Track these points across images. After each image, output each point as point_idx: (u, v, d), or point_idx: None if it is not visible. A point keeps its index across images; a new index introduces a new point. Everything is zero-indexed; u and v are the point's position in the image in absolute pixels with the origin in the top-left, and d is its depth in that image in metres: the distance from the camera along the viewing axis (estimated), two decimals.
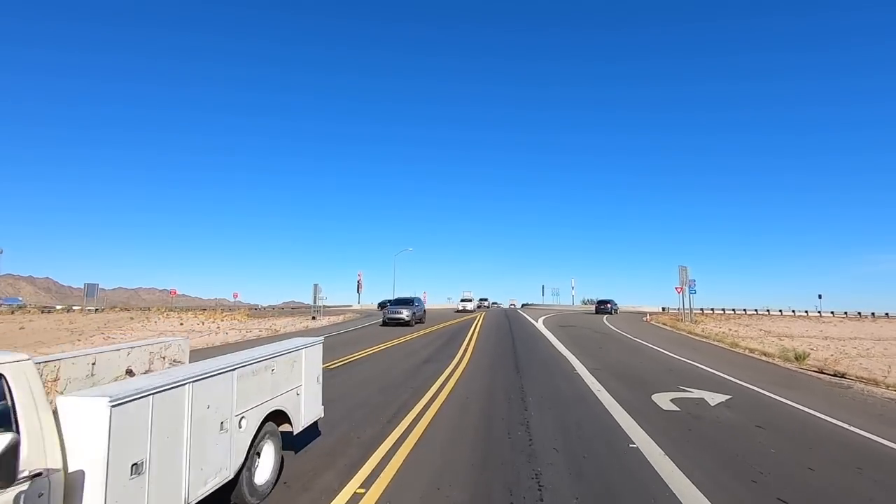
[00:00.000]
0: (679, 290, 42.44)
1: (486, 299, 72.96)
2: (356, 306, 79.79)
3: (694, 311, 51.60)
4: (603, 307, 49.72)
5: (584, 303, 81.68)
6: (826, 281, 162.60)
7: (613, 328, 27.51)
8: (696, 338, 23.28)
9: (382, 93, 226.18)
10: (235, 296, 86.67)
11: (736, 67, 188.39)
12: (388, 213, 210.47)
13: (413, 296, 30.74)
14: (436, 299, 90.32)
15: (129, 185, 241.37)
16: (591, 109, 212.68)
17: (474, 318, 34.36)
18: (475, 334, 21.09)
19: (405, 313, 26.33)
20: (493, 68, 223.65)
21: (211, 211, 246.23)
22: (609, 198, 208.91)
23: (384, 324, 26.37)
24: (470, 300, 52.18)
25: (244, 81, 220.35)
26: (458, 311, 47.00)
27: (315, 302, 45.92)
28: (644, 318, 40.45)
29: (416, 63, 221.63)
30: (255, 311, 60.87)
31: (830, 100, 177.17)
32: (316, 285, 45.70)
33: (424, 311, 30.06)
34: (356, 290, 67.03)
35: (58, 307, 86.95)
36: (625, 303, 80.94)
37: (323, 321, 38.11)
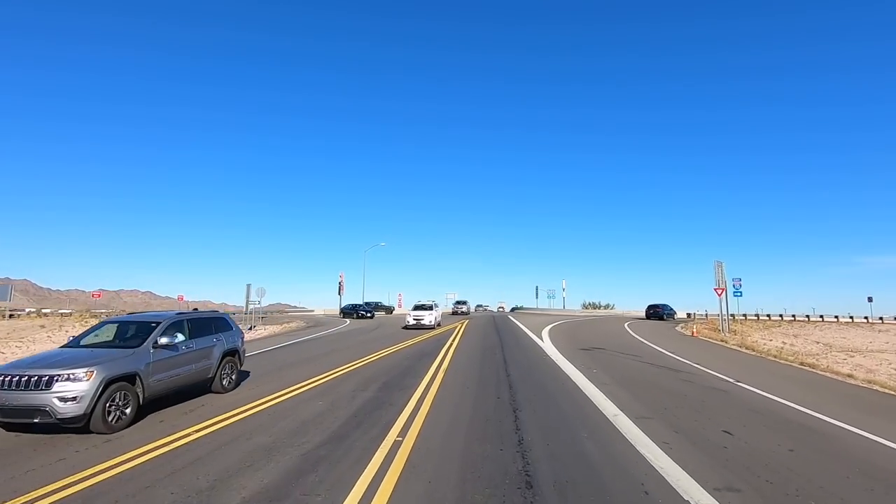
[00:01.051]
0: (719, 291, 32.53)
1: (464, 302, 56.85)
2: (319, 311, 69.19)
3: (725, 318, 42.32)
4: (654, 312, 45.61)
5: (585, 307, 72.20)
6: (819, 283, 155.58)
7: (673, 354, 17.24)
8: (853, 381, 13.06)
9: (368, 87, 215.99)
10: (181, 298, 75.57)
11: (750, 64, 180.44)
12: (374, 211, 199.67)
13: (147, 316, 9.56)
14: (411, 303, 79.80)
15: (115, 183, 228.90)
16: (588, 106, 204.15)
17: (446, 337, 23.90)
18: (429, 396, 9.44)
19: (51, 401, 6.51)
20: (484, 64, 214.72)
21: (195, 212, 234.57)
22: (607, 197, 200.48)
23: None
24: (430, 308, 30.80)
25: (237, 77, 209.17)
26: (408, 328, 28.23)
27: (247, 307, 35.41)
28: (682, 329, 30.53)
29: (400, 56, 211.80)
30: None
31: (823, 100, 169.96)
32: (248, 286, 35.11)
33: (237, 350, 10.43)
34: (338, 291, 57.15)
35: (27, 311, 75.81)
36: (627, 307, 71.76)
37: (259, 332, 28.94)
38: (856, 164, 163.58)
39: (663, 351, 17.91)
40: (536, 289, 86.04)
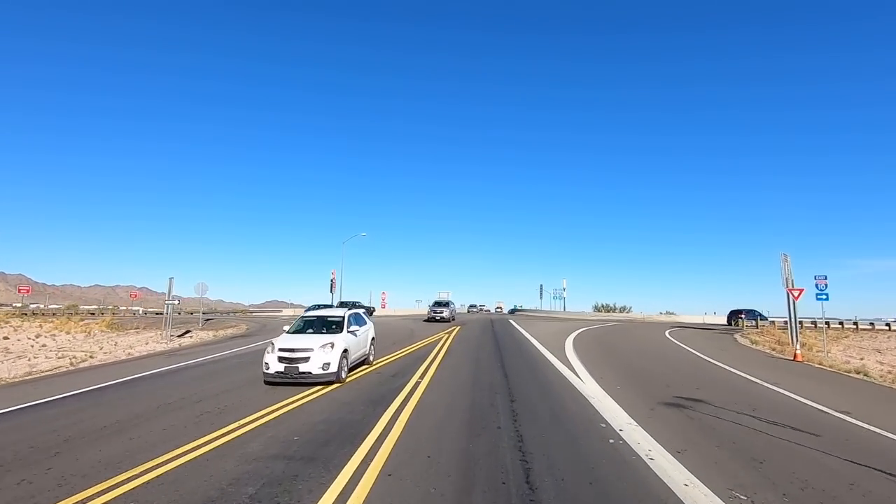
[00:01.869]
0: (795, 293, 23.95)
1: (445, 304, 38.00)
2: (285, 312, 60.67)
3: (776, 326, 33.92)
4: (738, 319, 39.23)
5: (598, 309, 62.80)
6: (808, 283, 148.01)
7: (850, 418, 8.45)
8: None
9: (371, 86, 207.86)
10: (133, 296, 66.95)
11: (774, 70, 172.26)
12: (372, 209, 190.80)
13: None
14: (402, 303, 71.46)
15: (114, 178, 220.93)
16: (589, 109, 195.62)
17: (407, 371, 14.82)
18: None
19: None
20: (489, 66, 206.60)
21: (191, 207, 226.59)
22: (612, 197, 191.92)
23: None
24: (333, 327, 11.96)
25: (236, 74, 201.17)
26: (270, 381, 10.45)
27: (166, 309, 26.63)
28: (746, 341, 22.03)
29: (404, 59, 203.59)
30: (119, 320, 41.33)
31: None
32: (170, 280, 26.64)
33: None
34: (330, 289, 49.06)
35: (13, 305, 68.08)
36: (644, 310, 63.08)
37: (184, 340, 23.89)
38: (850, 166, 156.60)
39: (818, 406, 9.23)
40: (541, 287, 76.45)
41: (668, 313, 74.18)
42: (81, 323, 39.58)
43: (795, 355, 17.31)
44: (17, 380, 12.54)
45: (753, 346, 22.21)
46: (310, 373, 10.24)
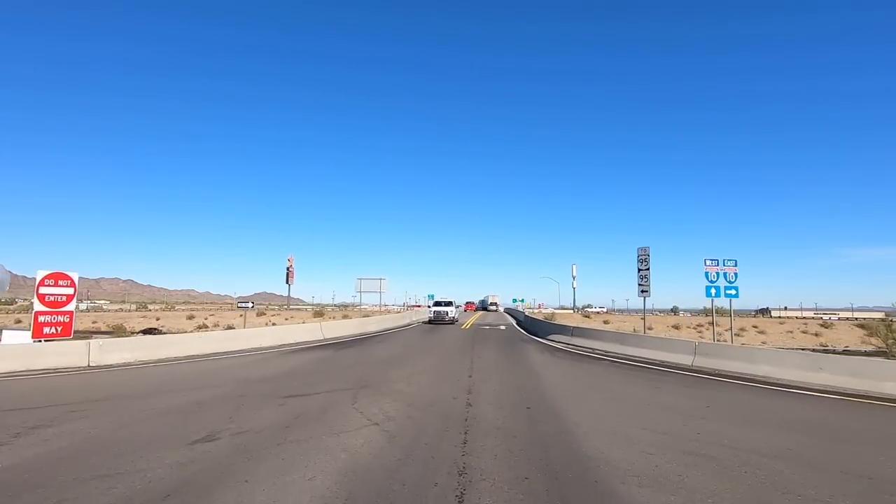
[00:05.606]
0: None
1: None
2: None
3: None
4: None
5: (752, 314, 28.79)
6: (799, 275, 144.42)
7: None
8: None
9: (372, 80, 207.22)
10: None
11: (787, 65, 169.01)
12: (338, 199, 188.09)
13: None
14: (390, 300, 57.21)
15: (95, 171, 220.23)
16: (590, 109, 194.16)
17: None
18: None
19: None
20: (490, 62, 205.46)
21: (177, 200, 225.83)
22: (611, 192, 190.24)
23: None
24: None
25: (229, 72, 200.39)
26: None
27: None
28: None
29: (403, 54, 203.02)
30: None
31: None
32: None
33: None
34: (286, 280, 45.05)
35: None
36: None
37: None
38: (847, 162, 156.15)
39: None
40: (573, 268, 55.05)
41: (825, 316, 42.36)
42: None
43: None
44: None
45: None
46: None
